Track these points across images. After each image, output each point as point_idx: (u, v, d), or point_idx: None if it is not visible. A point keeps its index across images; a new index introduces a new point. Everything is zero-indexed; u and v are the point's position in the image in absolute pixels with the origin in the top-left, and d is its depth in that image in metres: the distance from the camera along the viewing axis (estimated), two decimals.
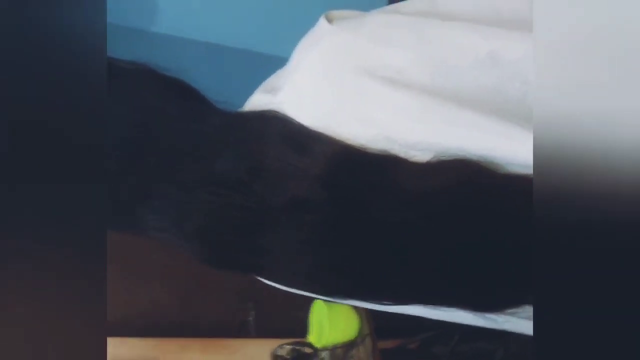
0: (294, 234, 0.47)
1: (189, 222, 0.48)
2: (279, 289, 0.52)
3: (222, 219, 0.48)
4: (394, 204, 0.46)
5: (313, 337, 1.46)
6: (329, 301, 1.41)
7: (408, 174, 0.47)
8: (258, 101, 0.52)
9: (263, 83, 0.55)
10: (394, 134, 0.47)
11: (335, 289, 0.52)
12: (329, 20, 0.51)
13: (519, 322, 0.52)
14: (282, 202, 0.46)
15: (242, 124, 0.50)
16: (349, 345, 1.42)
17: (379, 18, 0.52)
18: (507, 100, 0.47)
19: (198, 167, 0.48)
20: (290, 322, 1.37)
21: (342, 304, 1.42)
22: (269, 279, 0.52)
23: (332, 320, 1.44)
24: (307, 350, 1.41)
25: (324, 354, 1.41)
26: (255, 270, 0.52)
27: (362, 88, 0.48)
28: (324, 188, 0.46)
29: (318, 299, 1.42)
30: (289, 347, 1.37)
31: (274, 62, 0.56)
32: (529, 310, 0.50)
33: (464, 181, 0.46)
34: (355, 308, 1.42)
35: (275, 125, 0.48)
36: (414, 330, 1.54)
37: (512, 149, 0.45)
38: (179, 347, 1.11)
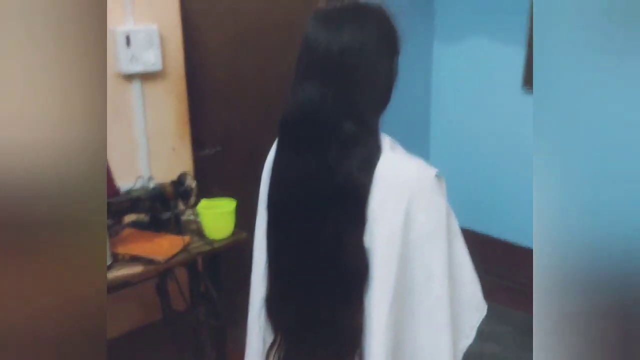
0: None
1: None
2: None
3: None
4: None
5: (205, 203, 1.76)
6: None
7: None
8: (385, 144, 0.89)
9: (391, 140, 0.91)
10: None
11: None
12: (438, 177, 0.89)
13: None
14: None
15: None
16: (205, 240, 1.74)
17: None
18: None
19: None
20: None
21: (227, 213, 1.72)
22: None
23: (224, 214, 1.73)
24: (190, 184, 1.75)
25: (189, 214, 1.81)
26: None
27: None
28: None
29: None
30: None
31: None
32: None
33: None
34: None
35: None
36: None
37: None
38: None
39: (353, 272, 0.88)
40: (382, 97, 0.91)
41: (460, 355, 0.97)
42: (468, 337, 0.97)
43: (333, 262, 0.88)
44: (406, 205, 0.85)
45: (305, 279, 0.93)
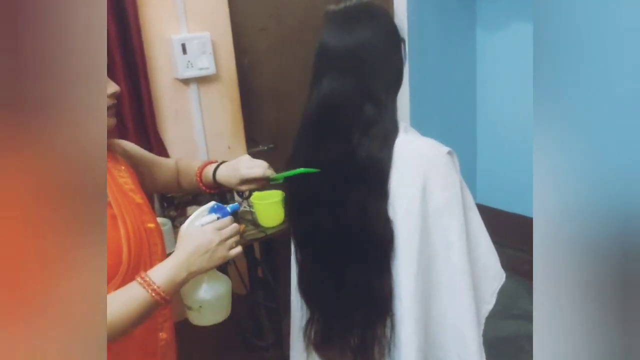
0: None
1: None
2: None
3: None
4: None
5: (257, 195, 1.90)
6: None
7: None
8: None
9: (405, 125, 1.00)
10: None
11: None
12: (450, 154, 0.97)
13: None
14: None
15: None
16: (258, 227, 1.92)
17: None
18: None
19: None
20: None
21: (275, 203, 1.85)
22: None
23: (275, 204, 1.88)
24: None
25: (244, 206, 1.99)
26: None
27: None
28: None
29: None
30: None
31: None
32: None
33: None
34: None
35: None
36: None
37: None
38: None
39: (379, 240, 0.95)
40: (394, 80, 0.99)
41: (483, 320, 1.02)
42: (489, 302, 1.02)
43: (361, 232, 0.96)
44: (422, 182, 0.92)
45: (337, 251, 1.01)
